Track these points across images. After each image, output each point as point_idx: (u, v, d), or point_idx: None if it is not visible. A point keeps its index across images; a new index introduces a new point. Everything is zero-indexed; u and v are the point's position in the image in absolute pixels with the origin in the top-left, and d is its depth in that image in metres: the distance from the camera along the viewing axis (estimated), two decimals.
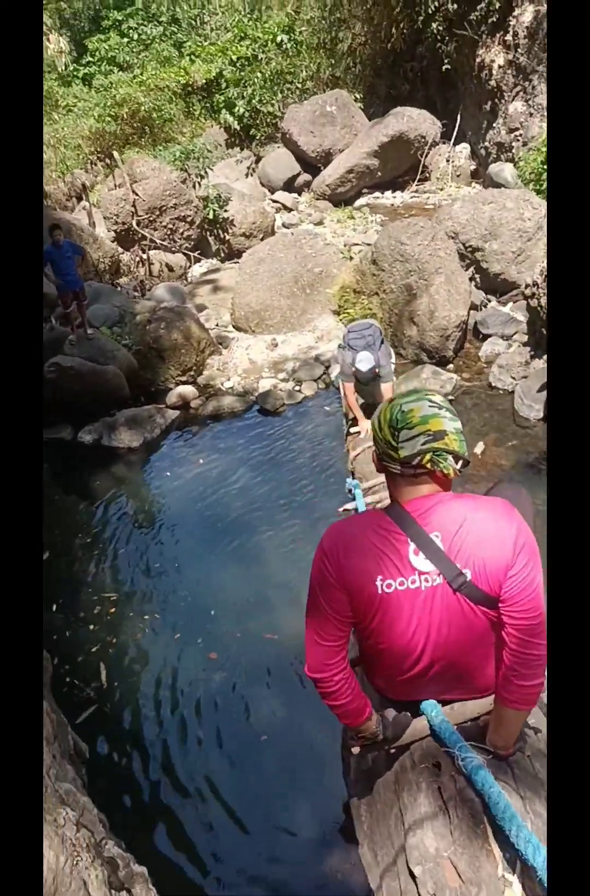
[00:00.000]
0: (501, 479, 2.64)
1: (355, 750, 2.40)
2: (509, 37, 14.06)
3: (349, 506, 4.92)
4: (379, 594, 1.99)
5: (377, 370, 6.03)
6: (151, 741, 4.39)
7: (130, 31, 26.19)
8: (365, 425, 6.20)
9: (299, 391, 8.60)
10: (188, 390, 8.64)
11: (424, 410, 1.97)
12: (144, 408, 8.29)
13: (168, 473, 7.31)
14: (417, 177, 16.63)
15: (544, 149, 11.21)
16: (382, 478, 5.14)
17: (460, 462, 2.00)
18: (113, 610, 5.47)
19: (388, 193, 16.81)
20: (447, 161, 16.55)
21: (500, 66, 14.41)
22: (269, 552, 5.93)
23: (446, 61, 15.89)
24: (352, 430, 6.39)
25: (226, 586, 5.63)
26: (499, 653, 2.04)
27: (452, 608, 1.99)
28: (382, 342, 6.28)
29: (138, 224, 12.58)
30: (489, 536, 1.91)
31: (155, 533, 6.43)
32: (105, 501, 6.92)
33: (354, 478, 5.80)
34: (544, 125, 13.33)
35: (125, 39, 26.01)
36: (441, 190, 16.12)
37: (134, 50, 25.64)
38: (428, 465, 1.95)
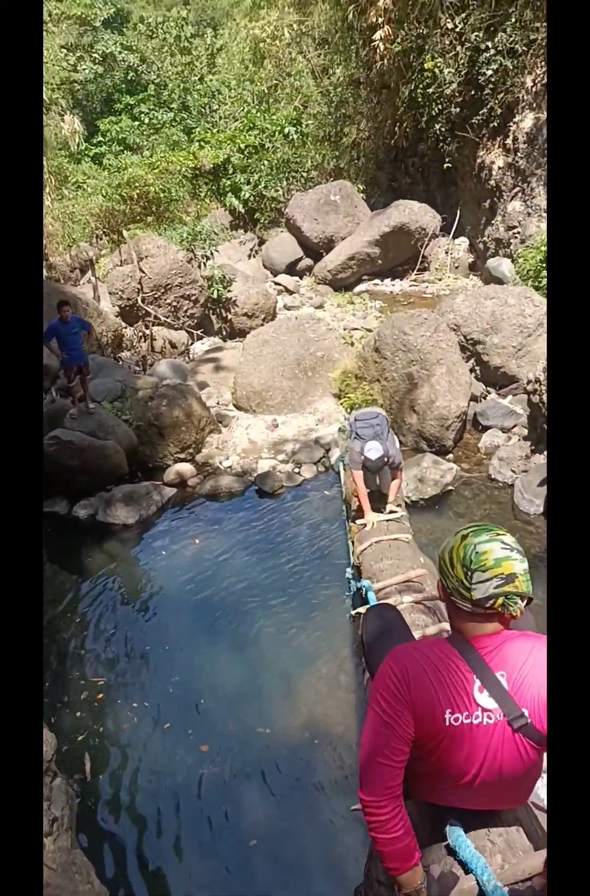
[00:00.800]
0: None
1: None
2: (509, 141, 14.52)
3: (362, 609, 4.77)
4: (446, 726, 2.00)
5: (386, 460, 5.97)
6: (134, 844, 4.14)
7: (142, 115, 27.02)
8: (372, 518, 6.04)
9: (299, 473, 8.51)
10: (186, 468, 8.54)
11: (497, 552, 2.00)
12: (142, 484, 8.18)
13: (163, 552, 7.15)
14: (417, 267, 16.93)
15: (544, 247, 11.45)
16: (393, 580, 5.01)
17: (526, 600, 2.04)
18: (101, 696, 5.25)
19: (387, 281, 17.09)
20: (446, 253, 16.89)
21: (499, 168, 14.84)
22: (263, 640, 5.76)
23: (447, 160, 16.35)
24: (358, 521, 6.23)
25: (218, 674, 5.44)
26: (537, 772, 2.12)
27: (508, 746, 2.02)
28: (388, 430, 6.25)
29: (143, 300, 12.69)
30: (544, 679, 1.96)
31: (147, 614, 6.24)
32: (97, 579, 6.75)
33: (359, 573, 5.65)
34: (543, 225, 13.66)
35: (136, 123, 26.81)
36: (439, 280, 16.40)
37: (144, 133, 26.41)
38: (498, 607, 2.00)
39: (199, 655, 5.64)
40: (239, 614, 6.09)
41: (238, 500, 8.06)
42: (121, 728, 4.97)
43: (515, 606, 2.00)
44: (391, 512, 6.17)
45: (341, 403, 9.81)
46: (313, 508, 7.77)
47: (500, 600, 1.99)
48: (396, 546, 5.59)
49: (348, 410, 9.53)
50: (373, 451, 5.88)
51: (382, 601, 4.59)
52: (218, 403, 10.51)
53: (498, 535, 2.06)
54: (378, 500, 6.33)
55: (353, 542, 6.16)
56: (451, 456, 8.55)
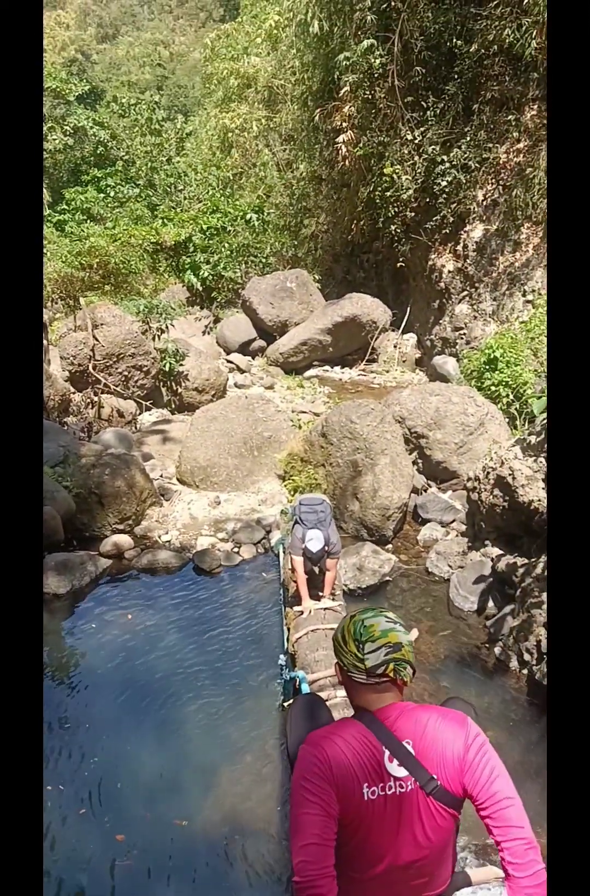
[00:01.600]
0: (450, 695, 2.72)
1: None
2: (459, 247, 15.14)
3: (290, 702, 4.65)
4: (365, 801, 2.10)
5: (326, 548, 5.93)
6: None
7: (108, 188, 27.38)
8: (308, 605, 5.96)
9: (238, 553, 8.37)
10: (124, 540, 8.33)
11: (383, 625, 2.25)
12: (77, 553, 7.92)
13: (93, 626, 6.88)
14: (366, 357, 17.28)
15: (487, 351, 11.81)
16: (328, 672, 4.91)
17: (412, 671, 2.27)
18: None
19: (337, 369, 17.37)
20: (395, 347, 17.30)
21: (449, 271, 15.41)
22: (189, 725, 5.53)
23: (400, 259, 16.90)
24: (295, 608, 6.13)
25: (140, 760, 5.19)
26: (452, 851, 2.28)
27: (423, 811, 2.12)
28: (331, 518, 6.23)
29: (94, 368, 12.57)
30: (447, 738, 2.12)
31: (70, 690, 5.95)
32: None
33: (294, 662, 5.52)
34: (488, 329, 14.15)
35: (102, 195, 27.12)
36: (387, 372, 16.74)
37: (109, 205, 26.72)
38: (391, 674, 2.20)
39: (121, 738, 5.37)
40: (166, 696, 5.85)
41: (175, 577, 7.86)
42: None
43: (405, 672, 2.23)
44: (329, 600, 6.09)
45: (285, 485, 9.78)
46: (250, 590, 7.62)
47: (391, 667, 2.20)
48: (331, 636, 5.49)
49: (292, 493, 9.49)
50: (314, 541, 5.84)
51: (310, 693, 4.47)
52: (162, 476, 10.37)
53: (382, 611, 2.33)
54: (316, 585, 6.26)
55: (288, 629, 6.05)
56: (390, 546, 8.55)
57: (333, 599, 6.15)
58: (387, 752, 2.13)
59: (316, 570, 6.35)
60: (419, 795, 2.12)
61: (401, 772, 2.12)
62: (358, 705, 2.28)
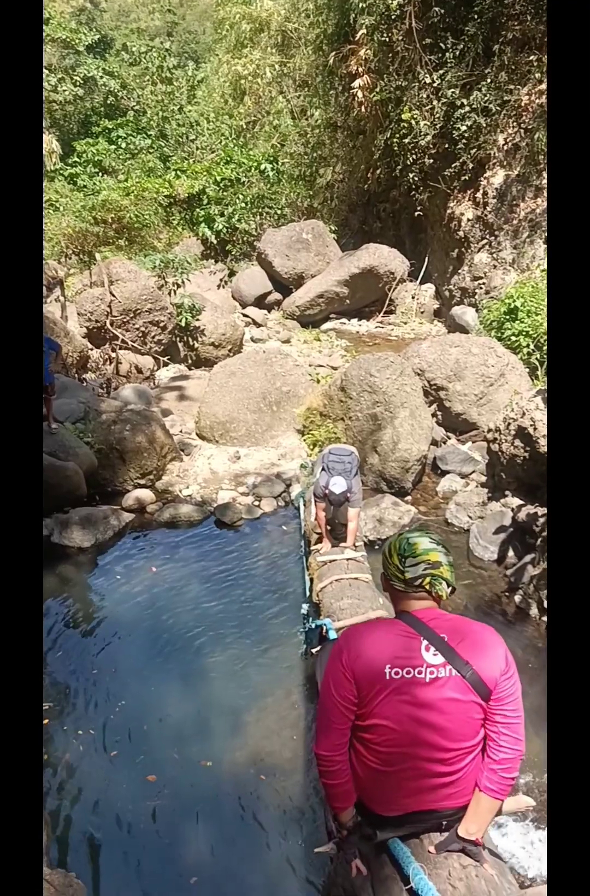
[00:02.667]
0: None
1: (328, 848, 2.74)
2: (479, 195, 14.94)
3: (318, 649, 4.80)
4: (386, 678, 2.37)
5: (348, 495, 6.09)
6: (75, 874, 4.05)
7: (119, 139, 27.11)
8: (329, 545, 6.22)
9: (259, 506, 8.52)
10: (146, 494, 8.49)
11: (425, 544, 2.50)
12: (100, 508, 8.09)
13: (118, 578, 7.07)
14: (383, 309, 17.22)
15: (508, 300, 11.74)
16: (354, 619, 5.08)
17: (450, 588, 2.50)
18: (46, 721, 5.14)
19: (354, 321, 17.34)
20: (413, 298, 17.22)
21: (468, 220, 15.24)
22: (214, 673, 5.71)
23: (418, 208, 16.74)
24: (314, 547, 6.33)
25: (167, 704, 5.38)
26: (479, 760, 2.46)
27: (456, 694, 2.36)
28: (357, 470, 6.39)
29: (112, 324, 12.66)
30: (486, 646, 2.41)
31: (97, 640, 6.14)
32: (48, 602, 6.63)
33: (318, 611, 5.66)
34: (507, 278, 14.03)
35: (113, 146, 26.87)
36: (405, 324, 16.69)
37: (121, 157, 26.47)
38: (427, 587, 2.46)
39: (148, 685, 5.56)
40: (191, 645, 6.03)
41: (197, 530, 8.02)
42: (65, 756, 4.87)
43: (440, 586, 2.46)
44: (352, 550, 6.25)
45: (305, 440, 9.87)
46: (271, 542, 7.77)
47: (427, 580, 2.45)
48: (355, 585, 5.62)
49: (312, 447, 9.59)
50: (338, 485, 6.01)
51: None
52: (181, 432, 10.49)
53: (427, 532, 2.58)
54: (338, 537, 6.42)
55: (311, 579, 6.18)
56: (409, 498, 8.66)
57: (356, 550, 6.29)
58: (425, 642, 2.39)
59: (337, 520, 6.50)
60: (453, 680, 2.36)
61: (437, 659, 2.37)
62: (399, 609, 2.56)
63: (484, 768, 2.43)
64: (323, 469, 6.33)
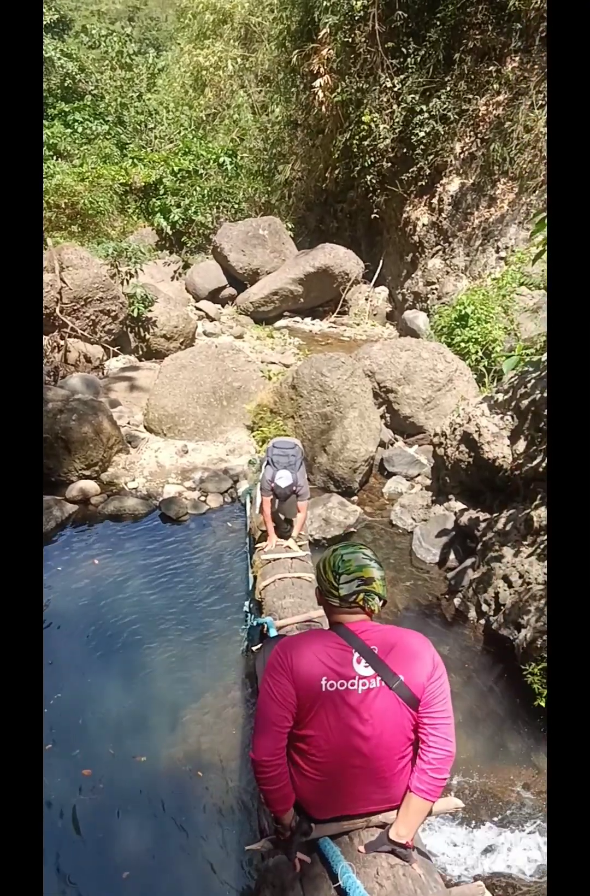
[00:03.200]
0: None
1: (260, 846, 2.84)
2: (435, 201, 15.14)
3: (258, 647, 4.83)
4: (323, 691, 2.48)
5: (295, 488, 6.18)
6: None
7: (76, 123, 26.62)
8: (273, 541, 6.29)
9: (205, 502, 8.50)
10: (90, 486, 8.39)
11: (359, 560, 2.62)
12: (42, 498, 7.97)
13: (59, 569, 6.98)
14: (337, 309, 17.29)
15: (458, 307, 11.93)
16: (296, 618, 5.15)
17: (382, 601, 2.65)
18: None
19: (307, 320, 17.37)
20: (366, 299, 17.34)
21: (424, 225, 15.43)
22: (154, 668, 5.70)
23: (375, 210, 16.84)
24: (259, 545, 6.38)
25: (105, 698, 5.35)
26: (410, 766, 2.57)
27: (386, 705, 2.48)
28: (301, 463, 6.46)
29: (61, 311, 12.43)
30: (414, 654, 2.52)
31: None
32: None
33: (260, 609, 5.69)
34: (459, 284, 14.26)
35: (69, 130, 26.38)
36: (357, 325, 16.79)
37: (76, 141, 25.99)
38: (361, 602, 2.58)
39: (85, 678, 5.52)
40: (131, 639, 6.01)
41: (141, 524, 7.97)
42: None
43: (373, 601, 2.60)
44: (296, 545, 6.31)
45: (254, 436, 9.89)
46: (216, 539, 7.77)
47: (361, 596, 2.57)
48: (298, 584, 5.67)
49: (261, 444, 9.60)
50: (283, 479, 6.07)
51: (279, 635, 4.66)
52: (129, 423, 10.39)
53: (360, 548, 2.69)
54: (282, 534, 6.48)
55: (255, 577, 6.21)
56: (356, 498, 8.74)
57: (300, 547, 6.34)
58: (356, 655, 2.51)
59: (282, 517, 6.55)
60: (383, 692, 2.48)
61: (368, 671, 2.49)
62: (333, 621, 2.68)
63: (415, 770, 2.54)
64: (268, 463, 6.39)
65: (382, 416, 10.10)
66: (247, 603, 6.10)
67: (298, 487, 6.23)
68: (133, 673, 5.63)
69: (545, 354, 6.66)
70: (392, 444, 10.02)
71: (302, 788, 2.65)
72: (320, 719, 2.51)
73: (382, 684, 2.49)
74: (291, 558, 6.10)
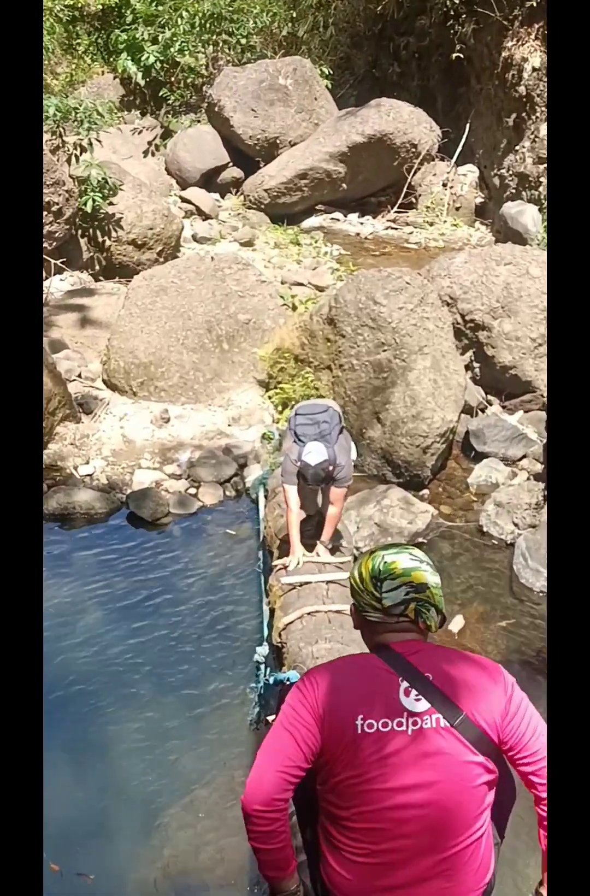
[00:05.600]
0: None
1: None
2: None
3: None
4: (358, 733, 2.56)
5: (331, 469, 6.05)
6: None
7: None
8: (297, 556, 6.24)
9: (196, 496, 8.59)
10: None
11: (406, 563, 2.75)
12: None
13: None
14: (399, 201, 17.19)
15: None
16: None
17: (440, 615, 2.79)
18: None
19: (353, 217, 17.32)
20: (445, 186, 17.21)
21: (534, 69, 15.25)
22: (120, 745, 5.79)
23: (458, 46, 16.67)
24: (278, 561, 6.35)
25: (48, 788, 5.41)
26: (486, 843, 2.69)
27: (446, 751, 2.56)
28: (340, 431, 6.40)
29: None
30: (481, 680, 2.66)
31: None
32: None
33: (280, 659, 5.72)
34: None
35: None
36: (431, 225, 16.70)
37: None
38: (412, 615, 2.72)
39: None
40: (86, 702, 6.09)
41: (99, 528, 8.06)
42: None
43: (428, 615, 2.74)
44: (329, 557, 6.33)
45: (270, 397, 9.94)
46: (213, 552, 7.85)
47: (412, 606, 2.72)
48: (338, 621, 5.68)
49: (280, 409, 9.62)
50: (313, 454, 5.93)
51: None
52: (80, 376, 10.45)
53: (406, 548, 2.86)
54: (315, 525, 6.55)
55: (271, 611, 6.23)
56: (427, 492, 8.79)
57: (339, 562, 6.34)
58: (404, 685, 2.62)
59: (319, 500, 6.54)
60: (441, 732, 2.57)
61: (420, 705, 2.59)
62: (375, 643, 2.81)
63: (541, 819, 2.65)
64: (294, 440, 6.33)
65: (467, 368, 10.08)
66: (260, 650, 6.13)
67: (337, 468, 6.12)
68: (90, 752, 5.71)
69: None
70: (483, 411, 9.99)
71: (334, 872, 2.72)
72: (355, 771, 2.58)
73: (442, 723, 2.57)
74: (328, 582, 6.11)
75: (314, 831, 2.86)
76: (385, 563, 2.74)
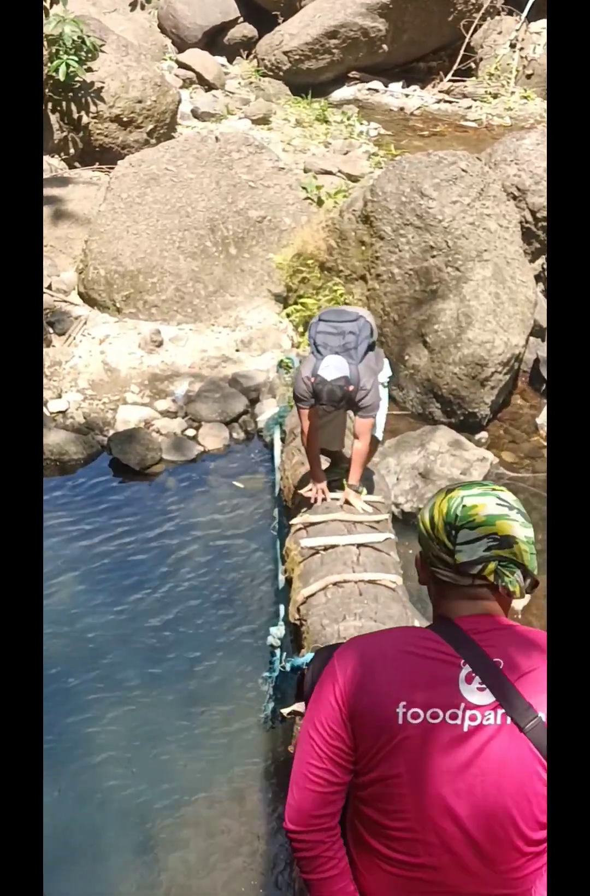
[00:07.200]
0: None
1: None
2: None
3: (298, 707, 4.81)
4: (398, 724, 2.49)
5: (351, 389, 6.03)
6: None
7: None
8: (320, 487, 6.33)
9: (195, 439, 8.64)
10: None
11: (491, 508, 2.58)
12: None
13: None
14: (455, 66, 17.09)
15: None
16: None
17: (529, 580, 2.60)
18: None
19: (396, 88, 17.24)
20: (513, 47, 17.08)
21: None
22: (105, 750, 5.82)
23: None
24: (298, 519, 6.36)
25: None
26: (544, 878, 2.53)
27: (512, 760, 2.46)
28: (370, 347, 6.38)
29: None
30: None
31: None
32: None
33: (298, 640, 5.76)
34: None
35: None
36: (495, 98, 16.62)
37: None
38: (490, 577, 2.56)
39: None
40: (63, 697, 6.13)
41: (76, 477, 8.12)
42: None
43: (512, 579, 2.55)
44: (363, 506, 6.38)
45: (288, 315, 9.95)
46: (217, 509, 7.91)
47: (491, 566, 2.55)
48: (371, 593, 5.70)
49: (300, 329, 9.62)
50: (331, 368, 5.93)
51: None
52: (51, 288, 10.47)
53: (494, 490, 2.66)
54: (333, 460, 6.66)
55: (288, 580, 6.26)
56: (485, 435, 8.85)
57: (373, 520, 6.37)
58: (466, 669, 2.51)
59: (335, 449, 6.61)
60: (507, 734, 2.47)
61: (483, 697, 2.48)
62: (439, 613, 2.71)
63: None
64: (312, 351, 6.31)
65: (538, 279, 10.05)
66: (274, 630, 6.16)
67: (361, 389, 6.11)
68: (64, 757, 5.75)
69: None
70: None
71: (365, 879, 2.72)
72: (394, 770, 2.54)
73: (507, 721, 2.49)
74: (359, 545, 6.13)
75: (344, 828, 2.79)
76: (464, 506, 2.57)
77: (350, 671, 2.56)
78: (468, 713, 2.46)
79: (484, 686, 2.47)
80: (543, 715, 2.42)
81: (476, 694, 2.47)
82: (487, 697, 2.46)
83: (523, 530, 2.55)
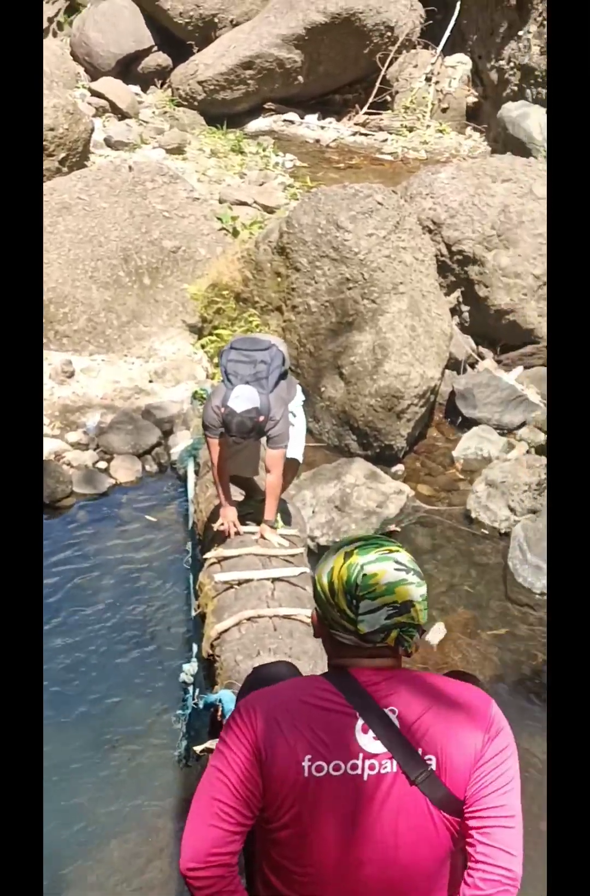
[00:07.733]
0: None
1: None
2: None
3: (211, 744, 4.79)
4: (304, 777, 2.52)
5: (261, 419, 6.04)
6: None
7: None
8: (230, 518, 6.34)
9: (106, 471, 8.61)
10: None
11: (390, 576, 2.59)
12: None
13: None
14: (371, 99, 17.19)
15: None
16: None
17: (421, 634, 2.68)
18: None
19: (312, 120, 17.32)
20: (428, 81, 17.22)
21: None
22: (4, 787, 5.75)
23: None
24: (211, 554, 6.35)
25: None
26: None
27: (406, 809, 2.53)
28: (282, 376, 6.40)
29: None
30: (458, 719, 2.57)
31: None
32: None
33: (211, 677, 5.74)
34: None
35: None
36: (411, 131, 16.73)
37: None
38: (392, 643, 2.60)
39: None
40: None
41: None
42: None
43: (410, 641, 2.62)
44: (278, 540, 6.37)
45: (203, 346, 9.94)
46: (129, 544, 7.87)
47: (393, 634, 2.59)
48: (286, 628, 5.72)
49: (215, 360, 9.60)
50: (241, 399, 5.94)
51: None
52: None
53: (390, 551, 2.67)
54: (246, 489, 6.65)
55: (202, 616, 6.24)
56: (401, 468, 8.88)
57: (288, 554, 6.37)
58: (361, 721, 2.55)
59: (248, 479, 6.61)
60: (401, 784, 2.52)
61: (378, 747, 2.53)
62: (334, 664, 2.75)
63: None
64: (223, 380, 6.33)
65: (453, 312, 10.15)
66: (187, 667, 6.14)
67: (270, 420, 6.13)
68: None
69: None
70: (473, 366, 10.05)
71: None
72: (301, 821, 2.58)
73: (400, 771, 2.52)
74: (273, 579, 6.13)
75: (252, 873, 2.86)
76: (365, 575, 2.57)
77: (258, 721, 2.57)
78: (368, 763, 2.52)
79: (378, 736, 2.52)
80: (435, 761, 2.49)
81: (372, 743, 2.52)
82: (382, 747, 2.51)
83: (418, 591, 2.61)
